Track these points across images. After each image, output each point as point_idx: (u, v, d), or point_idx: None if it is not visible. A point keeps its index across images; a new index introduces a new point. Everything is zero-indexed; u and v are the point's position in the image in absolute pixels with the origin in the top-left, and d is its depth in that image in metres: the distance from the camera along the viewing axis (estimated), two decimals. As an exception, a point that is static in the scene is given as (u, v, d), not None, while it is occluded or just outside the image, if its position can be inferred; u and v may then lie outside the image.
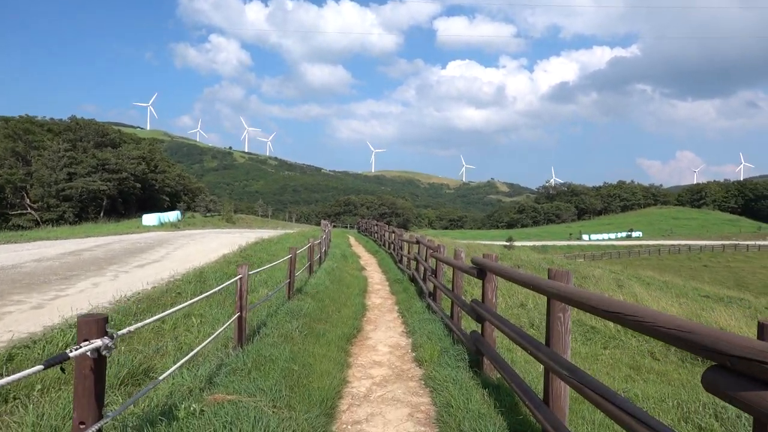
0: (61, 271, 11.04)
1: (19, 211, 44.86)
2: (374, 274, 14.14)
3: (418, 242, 11.35)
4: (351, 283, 11.13)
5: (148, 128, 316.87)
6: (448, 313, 6.83)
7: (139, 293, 8.32)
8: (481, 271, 5.03)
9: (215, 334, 4.76)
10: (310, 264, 11.34)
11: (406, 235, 15.62)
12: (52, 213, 44.33)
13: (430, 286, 8.88)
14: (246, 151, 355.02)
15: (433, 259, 8.76)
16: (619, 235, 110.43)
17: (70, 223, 42.63)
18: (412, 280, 11.72)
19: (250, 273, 5.39)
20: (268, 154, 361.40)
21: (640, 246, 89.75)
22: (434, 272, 8.35)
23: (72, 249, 15.57)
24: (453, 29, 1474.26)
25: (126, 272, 11.48)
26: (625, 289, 17.43)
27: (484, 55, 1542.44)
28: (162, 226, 38.63)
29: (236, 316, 5.04)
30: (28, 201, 44.84)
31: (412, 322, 7.35)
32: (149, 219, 38.57)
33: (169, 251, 16.74)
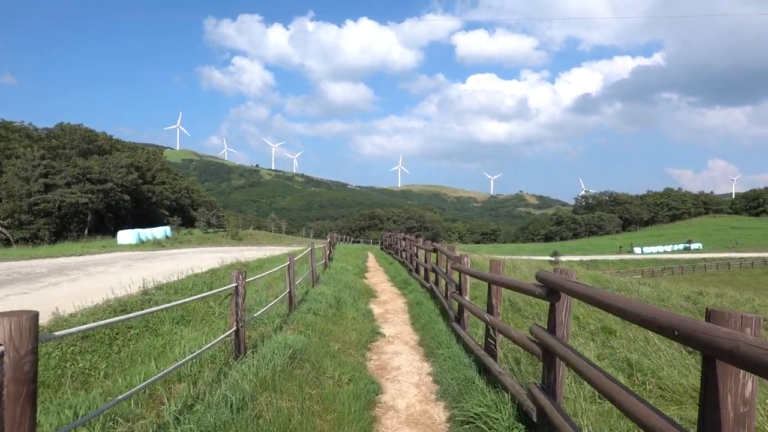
0: None
1: (-11, 230, 38.62)
2: (404, 365, 5.82)
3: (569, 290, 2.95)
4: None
5: (177, 148, 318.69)
6: None
7: None
8: None
9: None
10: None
11: (466, 260, 7.19)
12: (24, 231, 37.92)
13: None
14: (273, 168, 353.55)
15: None
16: (676, 247, 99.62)
17: (45, 242, 36.20)
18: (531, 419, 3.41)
19: None
20: (294, 171, 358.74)
21: (704, 260, 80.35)
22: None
23: None
24: (472, 44, 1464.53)
25: None
26: None
27: (505, 69, 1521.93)
28: (142, 244, 31.48)
29: None
30: (-2, 217, 38.60)
31: None
32: (126, 236, 31.46)
33: (35, 288, 8.99)
